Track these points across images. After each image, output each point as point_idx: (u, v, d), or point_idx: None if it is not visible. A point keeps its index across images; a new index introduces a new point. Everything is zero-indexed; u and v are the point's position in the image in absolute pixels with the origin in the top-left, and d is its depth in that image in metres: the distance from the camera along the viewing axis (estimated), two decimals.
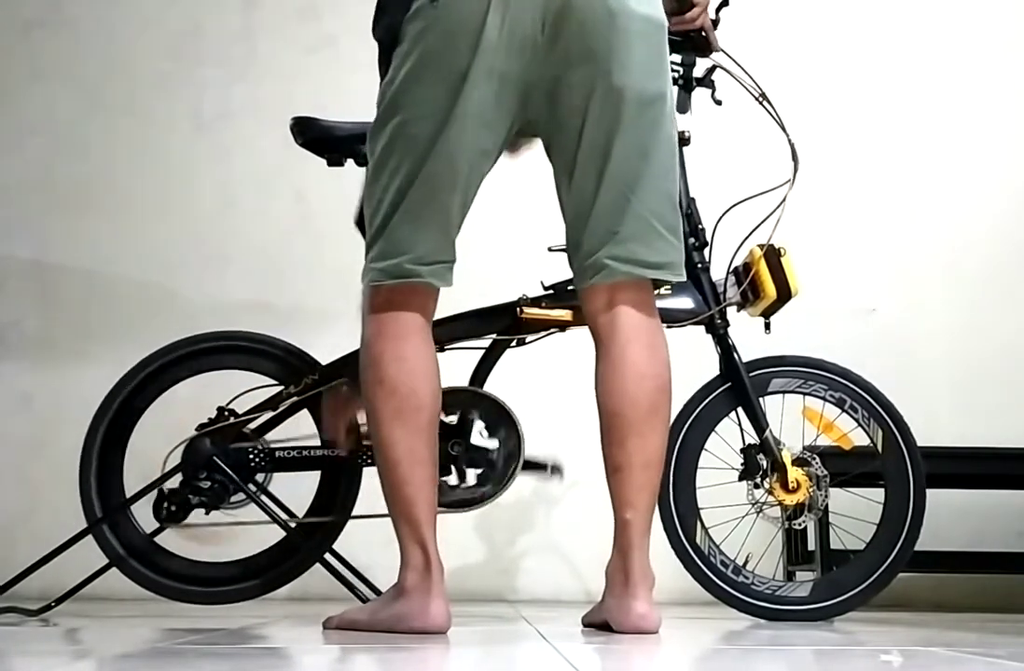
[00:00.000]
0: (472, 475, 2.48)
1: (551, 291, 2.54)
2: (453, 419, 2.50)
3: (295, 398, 2.53)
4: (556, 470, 2.55)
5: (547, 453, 2.62)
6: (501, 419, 2.48)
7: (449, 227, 1.99)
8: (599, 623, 2.07)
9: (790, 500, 2.48)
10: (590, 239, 2.00)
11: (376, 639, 1.79)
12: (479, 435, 2.49)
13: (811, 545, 3.20)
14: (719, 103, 2.48)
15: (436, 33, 1.91)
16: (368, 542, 3.28)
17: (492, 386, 2.56)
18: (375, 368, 1.97)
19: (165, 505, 2.48)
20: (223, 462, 2.47)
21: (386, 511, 2.57)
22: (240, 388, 2.57)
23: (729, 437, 2.52)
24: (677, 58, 2.40)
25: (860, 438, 2.61)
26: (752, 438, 2.51)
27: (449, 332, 2.54)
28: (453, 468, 2.47)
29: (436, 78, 1.91)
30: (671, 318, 2.50)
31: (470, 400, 2.49)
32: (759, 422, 2.50)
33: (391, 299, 1.99)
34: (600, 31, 1.89)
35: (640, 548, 1.98)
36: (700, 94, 2.48)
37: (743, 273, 2.52)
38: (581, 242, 2.01)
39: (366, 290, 2.03)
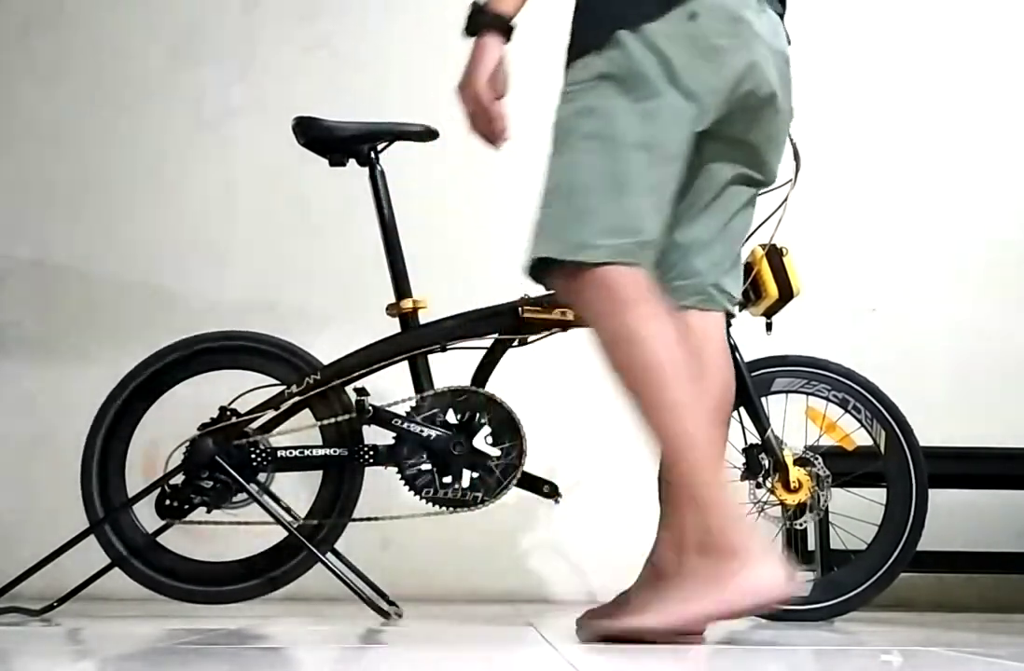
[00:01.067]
0: (467, 478, 2.49)
1: (553, 291, 2.53)
2: (461, 418, 2.50)
3: (297, 398, 2.53)
4: (553, 492, 2.55)
5: (547, 471, 2.62)
6: (508, 429, 2.49)
7: (665, 220, 1.94)
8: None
9: (791, 500, 2.49)
10: (700, 261, 2.06)
11: (377, 639, 1.79)
12: (483, 440, 2.49)
13: (811, 545, 3.20)
14: None
15: (686, 50, 1.89)
16: (369, 542, 3.29)
17: (493, 386, 2.56)
18: (660, 325, 1.83)
19: (167, 501, 2.48)
20: (225, 461, 2.47)
21: (386, 513, 2.59)
22: (242, 388, 2.57)
23: (732, 436, 2.52)
24: None
25: (862, 439, 2.61)
26: (754, 438, 2.52)
27: (450, 332, 2.54)
28: (450, 466, 2.47)
29: (675, 86, 1.89)
30: None
31: (482, 404, 2.49)
32: (761, 422, 2.50)
33: (631, 273, 1.86)
34: (782, 112, 2.05)
35: None
36: None
37: (745, 273, 2.52)
38: (688, 261, 2.06)
39: (565, 266, 1.87)
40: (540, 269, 1.92)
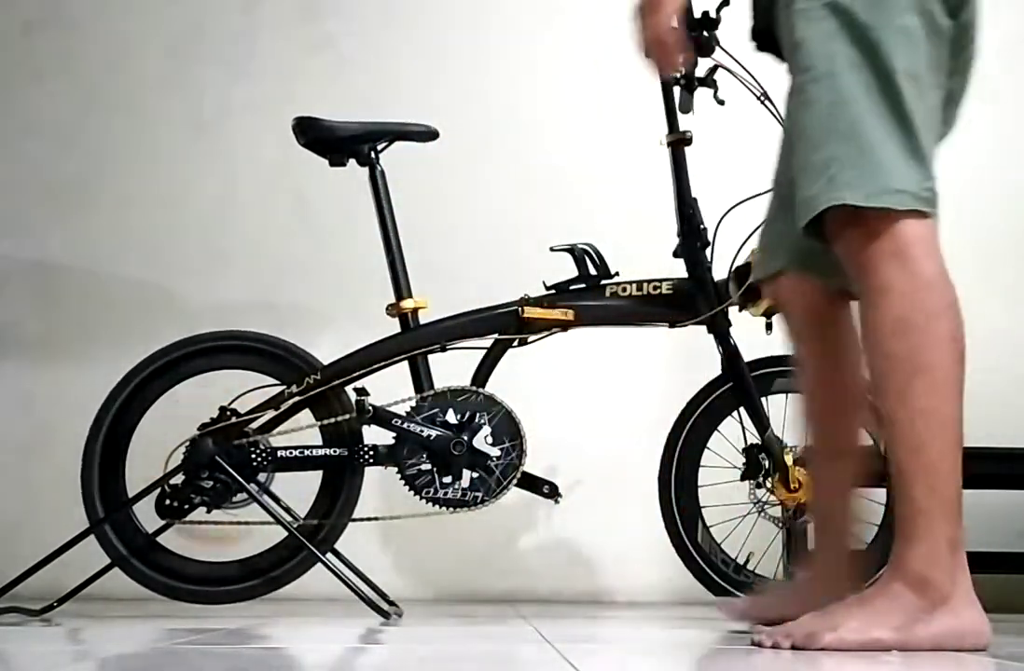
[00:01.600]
0: (467, 478, 2.49)
1: (553, 291, 2.54)
2: (461, 418, 2.50)
3: (297, 398, 2.53)
4: (553, 492, 2.55)
5: (547, 471, 2.62)
6: (508, 429, 2.49)
7: None
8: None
9: (791, 500, 2.49)
10: None
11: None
12: (483, 440, 2.49)
13: (811, 545, 3.20)
14: (722, 103, 2.49)
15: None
16: (370, 542, 3.29)
17: (493, 386, 2.56)
18: (950, 320, 1.64)
19: (167, 501, 2.48)
20: (225, 461, 2.47)
21: (386, 514, 2.59)
22: (241, 388, 2.57)
23: (732, 436, 2.52)
24: None
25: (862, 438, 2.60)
26: (754, 438, 2.52)
27: (450, 332, 2.55)
28: (450, 466, 2.47)
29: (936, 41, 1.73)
30: (673, 318, 2.51)
31: (482, 404, 2.49)
32: (761, 422, 2.51)
33: (930, 228, 1.66)
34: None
35: None
36: (702, 94, 2.48)
37: (745, 273, 2.52)
38: None
39: (867, 213, 1.63)
40: (823, 219, 1.69)
